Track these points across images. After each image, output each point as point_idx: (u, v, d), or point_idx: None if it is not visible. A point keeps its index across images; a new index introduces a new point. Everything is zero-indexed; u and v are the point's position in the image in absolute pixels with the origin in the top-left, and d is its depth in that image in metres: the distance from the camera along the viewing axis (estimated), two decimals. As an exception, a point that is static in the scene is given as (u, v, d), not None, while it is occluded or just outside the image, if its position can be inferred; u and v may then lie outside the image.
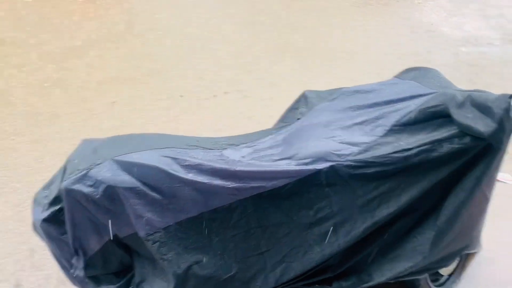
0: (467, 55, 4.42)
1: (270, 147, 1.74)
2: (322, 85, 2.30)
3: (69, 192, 1.50)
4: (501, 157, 1.59)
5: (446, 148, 1.50)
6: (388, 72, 2.17)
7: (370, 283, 1.67)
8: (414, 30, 4.88)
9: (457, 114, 1.48)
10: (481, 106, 1.45)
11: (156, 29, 4.72)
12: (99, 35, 4.53)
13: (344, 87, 1.92)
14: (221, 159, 1.63)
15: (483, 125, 1.42)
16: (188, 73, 3.98)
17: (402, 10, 5.39)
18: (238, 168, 1.55)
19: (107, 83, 3.76)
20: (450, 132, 1.51)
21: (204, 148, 1.70)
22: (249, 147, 1.76)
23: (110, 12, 5.05)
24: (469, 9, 5.42)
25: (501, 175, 2.97)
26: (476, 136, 1.46)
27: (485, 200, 1.71)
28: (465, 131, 1.48)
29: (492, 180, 1.67)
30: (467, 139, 1.48)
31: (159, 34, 4.64)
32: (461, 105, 1.49)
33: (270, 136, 1.81)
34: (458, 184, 1.57)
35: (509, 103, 1.41)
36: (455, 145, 1.49)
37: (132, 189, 1.47)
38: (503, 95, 1.43)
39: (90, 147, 1.63)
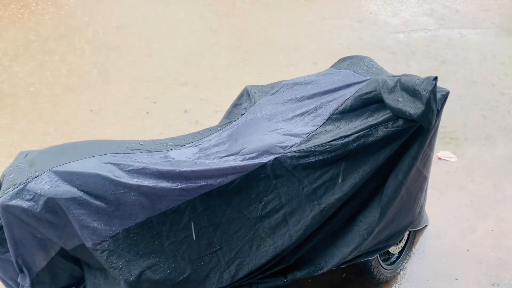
0: (405, 41, 4.61)
1: (216, 145, 1.75)
2: (266, 78, 2.34)
3: (7, 208, 1.43)
4: (433, 136, 1.68)
5: (381, 132, 1.56)
6: (330, 61, 2.22)
7: (323, 270, 1.72)
8: (354, 20, 5.01)
9: (389, 99, 1.55)
10: (410, 89, 1.53)
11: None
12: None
13: (284, 80, 1.96)
14: (166, 161, 1.61)
15: (412, 108, 1.50)
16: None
17: (343, 1, 5.52)
18: (183, 169, 1.55)
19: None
20: (384, 116, 1.57)
21: (148, 151, 1.67)
22: (195, 146, 1.75)
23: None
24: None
25: (443, 154, 3.15)
26: (408, 118, 1.54)
27: (423, 178, 1.80)
28: (397, 114, 1.55)
29: (427, 159, 1.76)
30: (400, 122, 1.55)
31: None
32: (392, 90, 1.56)
33: (215, 134, 1.81)
34: (396, 166, 1.65)
35: (435, 85, 1.49)
36: (390, 128, 1.56)
37: (74, 200, 1.43)
38: (428, 78, 1.50)
39: (26, 160, 1.56)
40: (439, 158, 3.05)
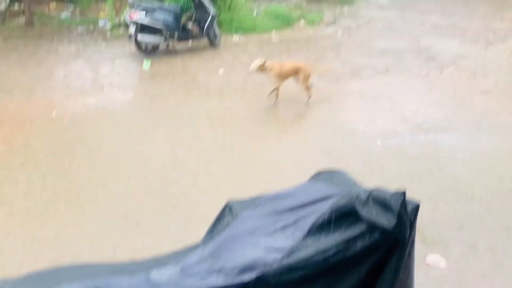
0: (383, 148, 4.83)
1: (198, 263, 1.74)
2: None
3: None
4: (410, 246, 1.70)
5: (360, 245, 1.59)
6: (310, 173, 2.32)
7: None
8: (332, 131, 5.29)
9: (363, 212, 1.61)
10: (382, 202, 1.59)
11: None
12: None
13: (264, 194, 2.02)
14: (146, 284, 1.59)
15: (385, 220, 1.55)
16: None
17: (320, 113, 5.88)
18: (164, 292, 1.52)
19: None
20: (361, 229, 1.61)
21: (129, 272, 1.66)
22: (176, 265, 1.74)
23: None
24: (379, 106, 6.05)
25: (432, 258, 3.12)
26: (383, 231, 1.58)
27: (408, 290, 1.78)
28: (372, 227, 1.59)
29: (409, 270, 1.76)
30: (376, 235, 1.59)
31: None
32: (365, 203, 1.63)
33: (197, 251, 1.81)
34: (378, 280, 1.64)
35: (403, 198, 1.57)
36: (367, 241, 1.59)
37: None
38: (398, 192, 1.59)
39: (3, 289, 1.53)
40: (428, 264, 3.02)
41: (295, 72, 5.81)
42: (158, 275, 1.66)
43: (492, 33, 10.66)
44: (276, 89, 5.83)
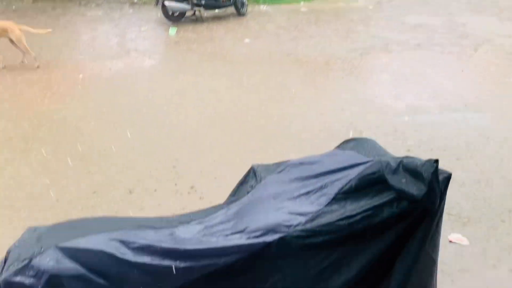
0: (410, 124, 4.72)
1: (222, 222, 1.76)
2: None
3: (10, 285, 1.42)
4: (439, 217, 1.67)
5: (386, 212, 1.57)
6: (336, 143, 2.29)
7: None
8: (360, 103, 5.21)
9: (392, 180, 1.58)
10: (412, 171, 1.56)
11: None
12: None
13: (290, 160, 2.01)
14: (171, 239, 1.62)
15: (415, 189, 1.52)
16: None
17: (348, 84, 5.78)
18: (188, 247, 1.55)
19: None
20: (388, 197, 1.59)
21: (155, 228, 1.69)
22: (201, 223, 1.76)
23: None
24: (408, 82, 5.88)
25: (454, 236, 3.08)
26: (412, 200, 1.55)
27: (432, 262, 1.76)
28: (401, 195, 1.56)
29: (435, 242, 1.73)
30: (404, 203, 1.56)
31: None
32: (395, 171, 1.59)
33: (221, 211, 1.83)
34: (404, 249, 1.62)
35: (436, 167, 1.52)
36: (395, 209, 1.57)
37: (77, 277, 1.42)
38: (430, 160, 1.54)
39: (34, 235, 1.58)
40: (450, 241, 2.98)
41: (2, 33, 5.42)
42: (183, 231, 1.69)
43: (532, 12, 10.15)
44: None
